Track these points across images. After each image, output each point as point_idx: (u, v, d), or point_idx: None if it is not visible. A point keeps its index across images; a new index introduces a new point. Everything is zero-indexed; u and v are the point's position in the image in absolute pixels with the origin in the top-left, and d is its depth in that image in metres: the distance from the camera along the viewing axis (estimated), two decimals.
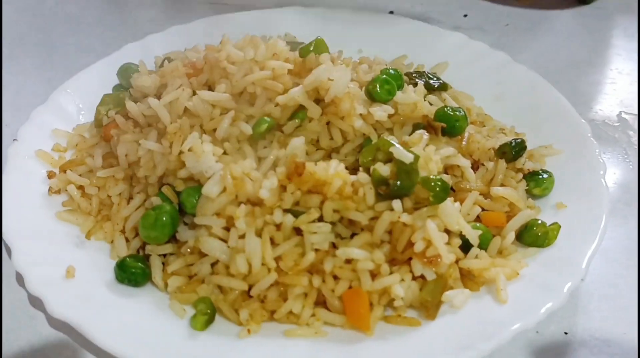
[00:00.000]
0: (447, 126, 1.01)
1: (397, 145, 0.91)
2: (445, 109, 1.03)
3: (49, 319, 0.90)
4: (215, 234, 0.89)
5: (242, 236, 0.88)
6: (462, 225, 0.91)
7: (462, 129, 1.03)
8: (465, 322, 0.85)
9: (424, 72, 1.21)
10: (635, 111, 1.35)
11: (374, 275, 0.88)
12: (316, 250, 0.88)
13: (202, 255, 0.91)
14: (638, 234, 1.07)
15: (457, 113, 1.02)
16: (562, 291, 0.85)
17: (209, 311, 0.86)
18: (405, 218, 0.88)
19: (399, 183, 0.88)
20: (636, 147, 1.26)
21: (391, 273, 0.88)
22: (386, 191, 0.89)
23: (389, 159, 0.91)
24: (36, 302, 0.90)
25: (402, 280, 0.88)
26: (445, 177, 0.94)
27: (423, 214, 0.89)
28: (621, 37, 1.59)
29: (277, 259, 0.88)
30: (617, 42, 1.58)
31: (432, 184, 0.89)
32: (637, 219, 1.09)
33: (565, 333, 0.92)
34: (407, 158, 0.89)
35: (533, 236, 0.95)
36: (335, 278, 0.88)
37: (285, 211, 0.89)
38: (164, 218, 0.91)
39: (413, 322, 0.86)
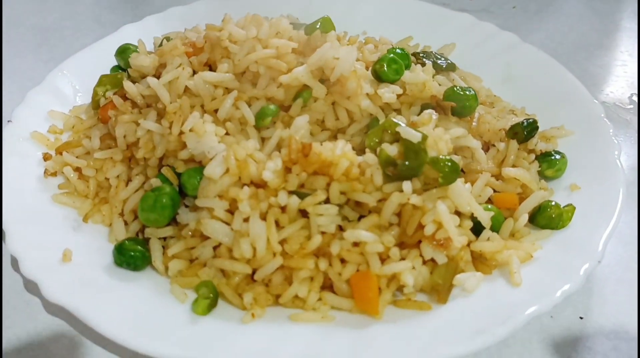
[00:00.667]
0: (457, 106, 0.98)
1: (404, 125, 0.87)
2: (455, 88, 0.99)
3: (45, 304, 0.88)
4: (218, 216, 0.86)
5: (246, 220, 0.84)
6: (474, 206, 0.88)
7: (472, 109, 1.00)
8: (478, 305, 0.82)
9: (431, 52, 1.18)
10: None
11: (382, 258, 0.85)
12: (323, 233, 0.85)
13: (204, 238, 0.88)
14: (638, 225, 1.04)
15: (467, 93, 0.99)
16: (578, 273, 0.82)
17: (211, 295, 0.83)
18: (415, 199, 0.84)
19: (407, 163, 0.85)
20: None
21: (401, 258, 0.85)
22: (394, 172, 0.86)
23: (397, 140, 0.87)
24: (32, 287, 0.88)
25: (413, 267, 0.84)
26: (455, 158, 0.91)
27: (433, 195, 0.86)
28: (631, 18, 1.57)
29: (282, 242, 0.85)
30: (626, 24, 1.55)
31: (442, 164, 0.85)
32: (637, 206, 1.06)
33: (581, 318, 0.89)
34: (415, 137, 0.85)
35: (547, 218, 0.92)
36: (343, 261, 0.85)
37: (291, 193, 0.85)
38: (164, 200, 0.88)
39: (424, 306, 0.83)
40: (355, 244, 0.85)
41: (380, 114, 0.97)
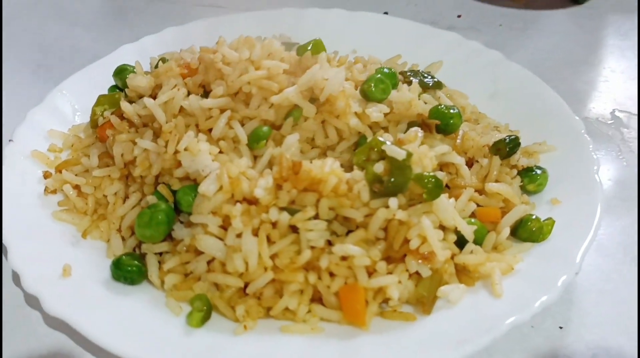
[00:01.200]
0: (442, 123, 1.02)
1: (389, 143, 0.91)
2: (440, 107, 1.03)
3: (45, 318, 0.91)
4: (212, 232, 0.89)
5: (239, 235, 0.88)
6: (457, 220, 0.91)
7: (456, 126, 1.03)
8: (461, 316, 0.86)
9: (418, 71, 1.21)
10: (629, 109, 1.36)
11: (370, 272, 0.88)
12: (312, 247, 0.88)
13: (198, 252, 0.91)
14: (638, 231, 1.07)
15: (451, 111, 1.03)
16: (556, 285, 0.86)
17: (205, 308, 0.86)
18: (400, 215, 0.88)
19: (392, 179, 0.89)
20: (630, 144, 1.26)
21: (388, 272, 0.88)
22: (380, 188, 0.89)
23: (383, 158, 0.91)
24: (32, 301, 0.91)
25: (399, 281, 0.88)
26: (440, 174, 0.95)
27: (418, 210, 0.90)
28: (614, 35, 1.60)
29: (273, 257, 0.88)
30: (610, 41, 1.59)
31: (426, 180, 0.89)
32: (638, 215, 1.10)
33: (560, 327, 0.93)
34: (400, 154, 0.89)
35: (528, 231, 0.95)
36: (331, 274, 0.89)
37: (281, 209, 0.89)
38: (160, 217, 0.92)
39: (409, 317, 0.87)
40: (344, 258, 0.88)
41: (368, 132, 1.01)
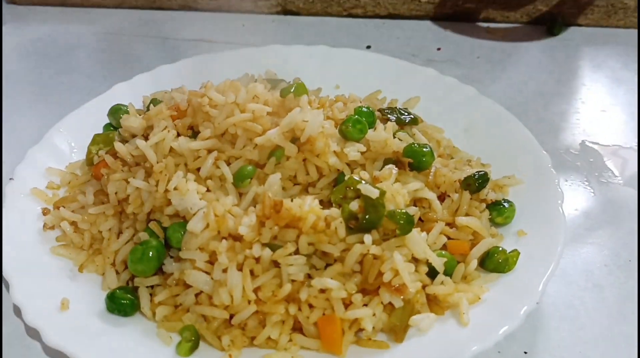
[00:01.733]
0: (415, 161, 1.09)
1: (364, 182, 0.98)
2: (413, 146, 1.10)
3: (45, 348, 0.98)
4: (199, 267, 0.96)
5: (225, 270, 0.95)
6: (428, 253, 0.99)
7: (428, 164, 1.11)
8: (430, 344, 0.93)
9: (396, 107, 1.29)
10: (598, 140, 1.43)
11: (346, 303, 0.95)
12: (292, 281, 0.95)
13: (187, 286, 0.97)
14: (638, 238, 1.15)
15: (424, 149, 1.10)
16: (518, 314, 0.93)
17: (193, 338, 0.93)
18: (374, 249, 0.95)
19: (367, 216, 0.96)
20: (595, 174, 1.34)
21: (364, 304, 0.95)
22: (356, 224, 0.97)
23: (359, 196, 0.98)
24: (33, 333, 0.97)
25: (374, 314, 0.94)
26: (413, 209, 1.02)
27: (391, 245, 0.97)
28: (587, 67, 1.68)
29: (257, 290, 0.94)
30: (583, 72, 1.67)
31: (398, 217, 0.96)
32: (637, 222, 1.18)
33: (525, 352, 0.99)
34: (373, 193, 0.96)
35: (494, 263, 1.02)
36: (311, 306, 0.95)
37: (264, 245, 0.96)
38: (151, 253, 0.98)
39: (382, 345, 0.94)
40: (322, 290, 0.95)
41: (347, 169, 1.08)
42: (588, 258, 1.15)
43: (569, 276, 1.12)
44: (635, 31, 1.78)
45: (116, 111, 1.27)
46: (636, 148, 1.40)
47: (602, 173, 1.34)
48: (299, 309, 0.95)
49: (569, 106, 1.54)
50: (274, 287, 0.95)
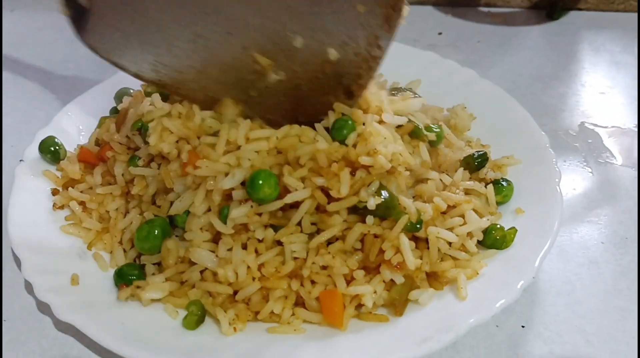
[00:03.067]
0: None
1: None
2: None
3: (56, 322, 1.01)
4: (204, 246, 0.99)
5: (230, 249, 0.98)
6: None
7: (437, 144, 1.14)
8: (429, 317, 0.95)
9: (401, 87, 1.31)
10: (597, 122, 1.45)
11: (348, 280, 0.98)
12: (295, 258, 0.98)
13: (192, 263, 1.00)
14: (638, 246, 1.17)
15: (435, 130, 1.13)
16: (515, 288, 0.95)
17: (199, 312, 0.96)
18: (375, 229, 0.98)
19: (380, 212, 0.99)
20: (594, 155, 1.36)
21: (366, 281, 0.98)
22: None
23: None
24: (44, 308, 1.00)
25: (375, 291, 0.97)
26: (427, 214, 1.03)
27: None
28: (586, 51, 1.70)
29: (260, 266, 0.97)
30: (582, 56, 1.69)
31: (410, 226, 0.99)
32: (637, 234, 1.19)
33: (522, 326, 1.02)
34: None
35: (492, 239, 1.05)
36: (313, 282, 0.98)
37: (267, 226, 0.99)
38: (156, 231, 1.01)
39: (382, 318, 0.96)
40: (324, 267, 0.98)
41: None
42: (585, 236, 1.18)
43: (566, 253, 1.14)
44: (635, 15, 1.80)
45: (122, 95, 1.30)
46: (635, 129, 1.42)
47: (600, 153, 1.37)
48: (302, 285, 0.98)
49: (569, 88, 1.57)
50: (277, 264, 0.98)
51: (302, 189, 0.98)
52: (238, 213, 0.97)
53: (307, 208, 0.98)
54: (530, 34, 1.75)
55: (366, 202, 0.96)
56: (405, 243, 0.97)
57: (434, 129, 1.13)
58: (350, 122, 1.01)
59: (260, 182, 0.95)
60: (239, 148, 1.00)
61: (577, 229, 1.19)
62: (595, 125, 1.44)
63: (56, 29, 1.77)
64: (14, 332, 1.01)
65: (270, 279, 0.97)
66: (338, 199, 0.98)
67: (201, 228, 1.00)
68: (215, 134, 1.01)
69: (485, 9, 1.83)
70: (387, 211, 0.98)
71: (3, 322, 1.02)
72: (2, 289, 1.07)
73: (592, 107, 1.50)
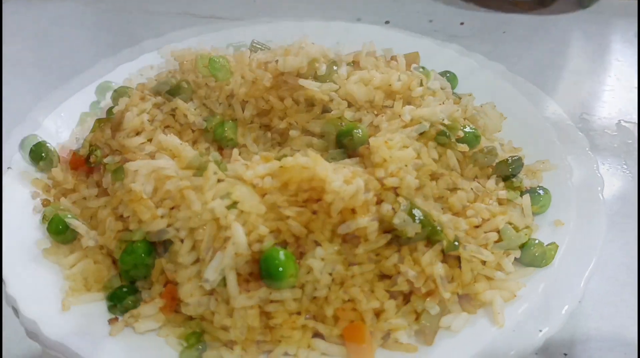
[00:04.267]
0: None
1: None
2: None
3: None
4: (196, 294, 0.88)
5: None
6: None
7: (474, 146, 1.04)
8: (462, 346, 0.85)
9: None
10: (635, 119, 1.34)
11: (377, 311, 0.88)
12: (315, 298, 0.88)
13: None
14: (638, 248, 1.06)
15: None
16: (559, 314, 0.85)
17: (200, 347, 0.86)
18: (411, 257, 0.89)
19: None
20: (635, 156, 1.25)
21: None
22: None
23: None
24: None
25: (409, 325, 0.87)
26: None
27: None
28: (619, 42, 1.59)
29: (269, 315, 0.86)
30: (615, 47, 1.57)
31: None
32: (637, 233, 1.09)
33: (565, 354, 0.92)
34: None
35: (530, 256, 0.94)
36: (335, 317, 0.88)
37: None
38: (139, 259, 0.91)
39: (410, 348, 0.86)
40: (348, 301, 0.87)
41: None
42: (627, 250, 1.06)
43: (607, 270, 1.03)
44: None
45: (104, 89, 1.20)
46: None
47: None
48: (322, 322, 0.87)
49: (602, 83, 1.45)
50: (291, 306, 0.86)
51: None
52: (244, 301, 0.85)
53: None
54: (559, 24, 1.63)
55: (404, 232, 0.87)
56: (440, 269, 0.87)
57: (468, 130, 1.02)
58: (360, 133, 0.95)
59: (278, 264, 0.83)
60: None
61: (617, 242, 1.07)
62: (633, 123, 1.33)
63: (28, 17, 1.66)
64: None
65: (283, 327, 0.86)
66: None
67: (189, 279, 0.88)
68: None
69: None
70: (422, 232, 0.87)
71: None
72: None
73: (628, 104, 1.38)
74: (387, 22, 1.61)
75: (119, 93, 1.18)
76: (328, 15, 1.57)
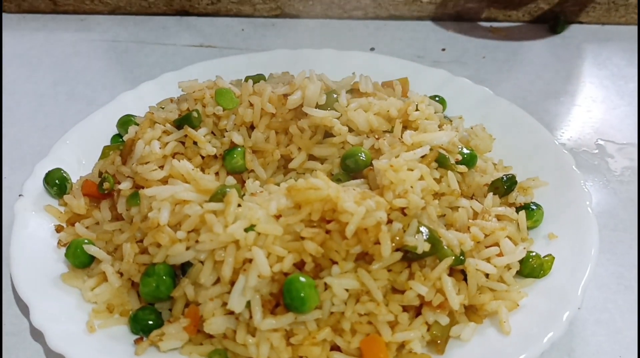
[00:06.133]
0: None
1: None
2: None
3: None
4: (219, 313, 0.91)
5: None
6: None
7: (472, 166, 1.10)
8: (473, 355, 0.90)
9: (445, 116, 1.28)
10: (612, 138, 1.42)
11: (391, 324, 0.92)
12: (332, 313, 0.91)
13: None
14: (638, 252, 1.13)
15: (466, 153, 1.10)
16: (561, 320, 0.90)
17: None
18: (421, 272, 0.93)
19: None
20: (616, 173, 1.32)
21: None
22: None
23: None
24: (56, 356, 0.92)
25: (422, 336, 0.92)
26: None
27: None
28: (591, 65, 1.67)
29: (289, 334, 0.90)
30: (588, 70, 1.65)
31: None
32: (637, 240, 1.15)
33: None
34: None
35: (529, 268, 1.00)
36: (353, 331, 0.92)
37: None
38: (161, 285, 0.93)
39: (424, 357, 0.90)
40: (364, 314, 0.91)
41: None
42: (617, 260, 1.13)
43: (599, 279, 1.10)
44: (636, 28, 1.78)
45: (125, 123, 1.22)
46: None
47: (622, 172, 1.32)
48: (339, 335, 0.92)
49: (579, 104, 1.53)
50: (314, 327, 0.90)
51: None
52: (270, 325, 0.89)
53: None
54: (533, 49, 1.71)
55: (415, 248, 0.91)
56: (449, 283, 0.92)
57: (465, 152, 1.08)
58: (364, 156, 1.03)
59: (302, 295, 0.87)
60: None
61: (607, 253, 1.14)
62: (613, 142, 1.41)
63: (44, 50, 1.68)
64: None
65: (303, 345, 0.89)
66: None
67: (211, 298, 0.91)
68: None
69: (487, 24, 1.79)
70: (431, 249, 0.92)
71: None
72: (2, 336, 0.99)
73: (606, 124, 1.46)
74: (372, 49, 1.67)
75: (125, 121, 1.22)
76: (316, 43, 1.63)
